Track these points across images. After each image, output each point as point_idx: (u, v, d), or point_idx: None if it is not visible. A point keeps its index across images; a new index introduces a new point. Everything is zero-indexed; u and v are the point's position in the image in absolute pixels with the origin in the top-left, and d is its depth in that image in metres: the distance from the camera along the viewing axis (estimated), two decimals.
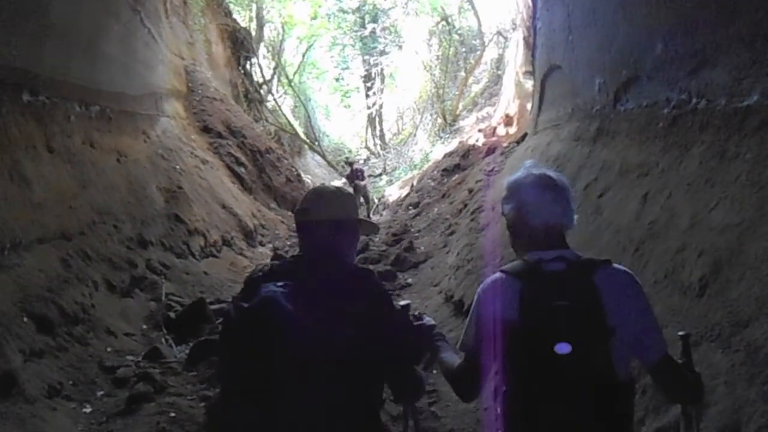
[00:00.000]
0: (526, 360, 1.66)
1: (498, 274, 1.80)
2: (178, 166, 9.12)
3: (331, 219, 1.88)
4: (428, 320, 2.25)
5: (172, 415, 4.24)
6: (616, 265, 1.76)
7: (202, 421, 4.09)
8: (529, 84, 10.83)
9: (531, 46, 9.74)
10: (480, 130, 15.43)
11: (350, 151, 29.29)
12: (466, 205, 10.41)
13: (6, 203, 4.34)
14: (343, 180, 20.52)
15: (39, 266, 4.58)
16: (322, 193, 2.00)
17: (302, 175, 17.57)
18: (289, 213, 13.96)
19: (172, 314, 6.13)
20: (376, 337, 1.69)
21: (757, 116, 3.12)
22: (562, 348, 1.59)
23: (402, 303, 2.24)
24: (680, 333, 1.90)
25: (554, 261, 1.74)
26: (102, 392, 4.52)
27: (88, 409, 4.23)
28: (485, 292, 1.80)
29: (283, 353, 1.58)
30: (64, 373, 4.31)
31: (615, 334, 1.62)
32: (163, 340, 5.66)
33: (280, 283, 1.69)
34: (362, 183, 15.95)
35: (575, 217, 1.88)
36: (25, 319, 4.02)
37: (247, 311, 1.63)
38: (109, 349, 5.06)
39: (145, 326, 5.82)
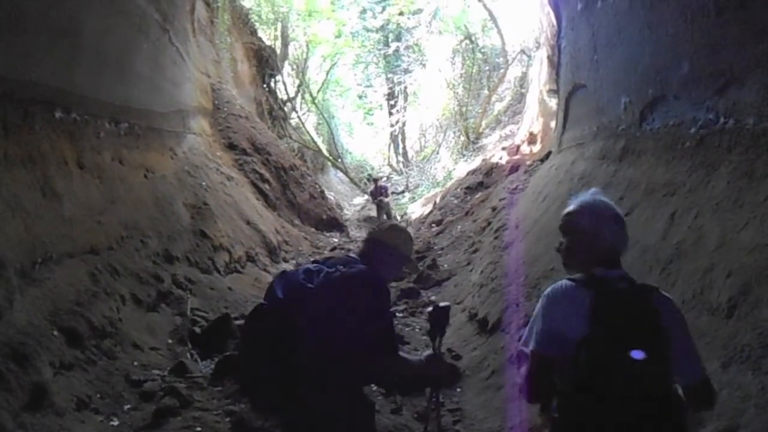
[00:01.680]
0: (597, 364, 1.79)
1: (567, 282, 1.96)
2: (203, 183, 9.25)
3: (388, 245, 2.70)
4: (444, 303, 2.83)
5: (198, 429, 4.27)
6: (663, 292, 1.97)
7: None
8: (553, 102, 10.81)
9: (555, 65, 9.74)
10: (503, 148, 15.41)
11: (373, 168, 29.42)
12: (489, 223, 10.38)
13: (37, 218, 4.44)
14: (366, 196, 20.63)
15: (69, 280, 4.66)
16: (396, 227, 2.93)
17: (325, 191, 17.68)
18: (313, 229, 14.05)
19: (197, 329, 6.18)
20: (350, 310, 2.37)
21: None
22: (638, 354, 1.74)
23: (442, 304, 2.79)
24: None
25: (619, 280, 1.95)
26: (129, 406, 4.56)
27: (115, 422, 4.27)
28: (555, 296, 1.94)
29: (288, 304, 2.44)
30: (92, 386, 4.36)
31: (672, 352, 1.81)
32: (188, 354, 5.71)
33: (318, 264, 2.59)
34: (386, 200, 16.01)
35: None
36: (55, 333, 4.09)
37: (283, 275, 2.63)
38: (135, 363, 5.11)
39: (170, 341, 5.87)
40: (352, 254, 2.92)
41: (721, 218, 3.43)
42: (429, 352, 2.78)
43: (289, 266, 10.39)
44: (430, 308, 2.81)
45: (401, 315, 7.88)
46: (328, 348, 2.36)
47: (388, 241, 2.71)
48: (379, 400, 5.08)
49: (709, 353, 2.94)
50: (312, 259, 2.83)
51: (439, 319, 2.74)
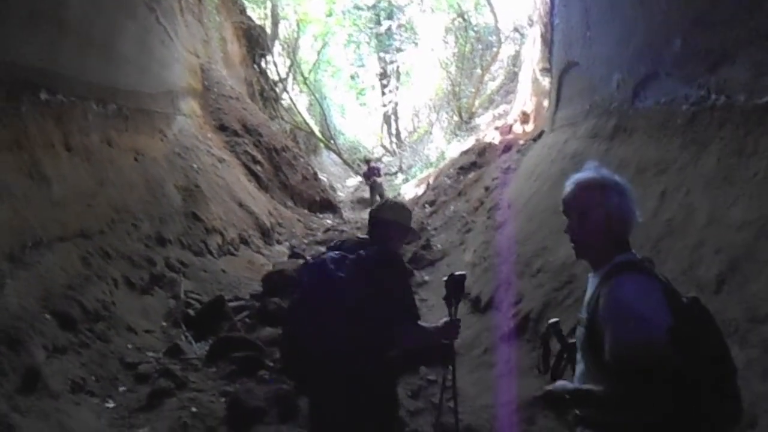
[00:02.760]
0: (707, 356, 1.67)
1: (636, 275, 1.74)
2: (195, 165, 9.20)
3: (383, 220, 2.83)
4: (460, 272, 2.96)
5: (194, 410, 4.31)
6: None
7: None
8: (546, 81, 10.76)
9: (548, 43, 9.69)
10: (496, 128, 15.36)
11: (366, 149, 29.34)
12: (482, 203, 10.39)
13: (26, 201, 4.41)
14: (359, 178, 20.59)
15: (60, 264, 4.66)
16: (391, 205, 3.11)
17: (318, 173, 17.63)
18: (306, 211, 14.03)
19: (191, 311, 6.21)
20: (382, 293, 2.52)
21: None
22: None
23: (458, 273, 2.95)
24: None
25: (649, 263, 1.83)
26: (124, 388, 4.59)
27: (111, 404, 4.30)
28: (647, 292, 1.71)
29: (322, 299, 2.52)
30: (86, 369, 4.38)
31: None
32: (182, 337, 5.73)
33: (338, 252, 2.69)
34: (379, 180, 16.00)
35: None
36: (48, 316, 4.10)
37: (309, 267, 2.74)
38: (130, 346, 5.13)
39: (164, 323, 5.89)
40: (360, 235, 3.15)
41: (710, 195, 3.44)
42: (446, 318, 2.89)
43: (282, 248, 10.39)
44: (445, 278, 2.93)
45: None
46: (364, 326, 2.52)
47: (392, 218, 2.86)
48: None
49: None
50: (329, 245, 2.93)
51: (455, 288, 2.89)
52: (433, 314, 7.15)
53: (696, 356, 1.65)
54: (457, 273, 2.95)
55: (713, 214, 3.33)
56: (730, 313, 2.80)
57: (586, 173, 1.91)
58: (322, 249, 9.97)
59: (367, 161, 16.92)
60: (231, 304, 6.57)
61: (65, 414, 3.70)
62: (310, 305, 2.59)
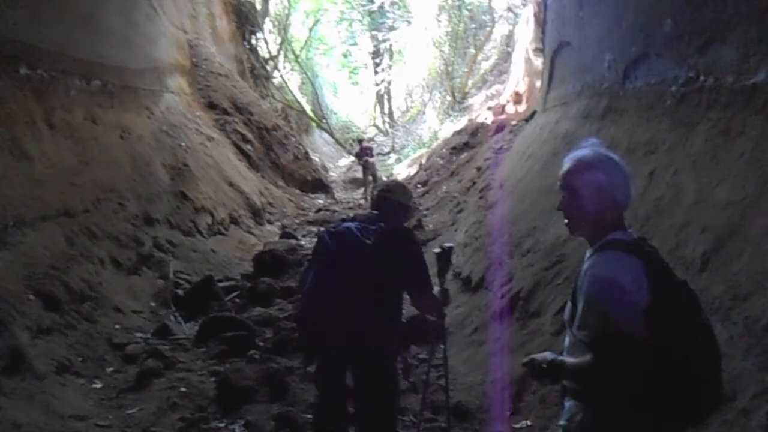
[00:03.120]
0: (681, 330, 1.67)
1: (615, 253, 1.76)
2: (183, 143, 9.11)
3: (393, 200, 3.13)
4: (448, 244, 3.29)
5: (183, 389, 4.30)
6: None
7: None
8: (538, 61, 10.69)
9: (541, 23, 9.61)
10: (489, 108, 15.31)
11: (358, 129, 29.20)
12: (474, 183, 10.38)
13: (7, 180, 4.34)
14: (352, 158, 20.50)
15: (43, 244, 4.61)
16: (396, 185, 3.56)
17: (310, 153, 17.53)
18: (297, 191, 13.97)
19: (180, 292, 6.19)
20: (405, 258, 2.89)
21: (763, 94, 3.11)
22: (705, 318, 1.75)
23: (447, 245, 3.27)
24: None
25: (642, 241, 1.84)
26: (112, 368, 4.58)
27: (98, 385, 4.30)
28: (620, 272, 1.72)
29: (336, 257, 2.86)
30: (72, 350, 4.36)
31: None
32: (171, 317, 5.72)
33: (355, 222, 3.01)
34: (371, 160, 15.94)
35: None
36: (31, 297, 4.06)
37: (335, 233, 2.96)
38: (117, 327, 5.11)
39: (153, 304, 5.87)
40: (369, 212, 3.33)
41: (698, 175, 3.45)
42: (438, 289, 3.18)
43: (273, 228, 10.37)
44: (437, 249, 3.22)
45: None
46: (389, 288, 2.94)
47: (398, 198, 3.16)
48: None
49: None
50: (340, 218, 3.45)
51: (446, 258, 3.23)
52: None
53: (670, 335, 1.66)
54: (446, 244, 3.28)
55: (700, 194, 3.34)
56: (714, 291, 2.83)
57: (582, 151, 1.90)
58: (314, 229, 9.99)
59: (360, 141, 16.82)
60: (221, 284, 6.56)
61: (51, 395, 3.69)
62: (339, 267, 2.87)
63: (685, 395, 1.68)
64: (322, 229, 3.20)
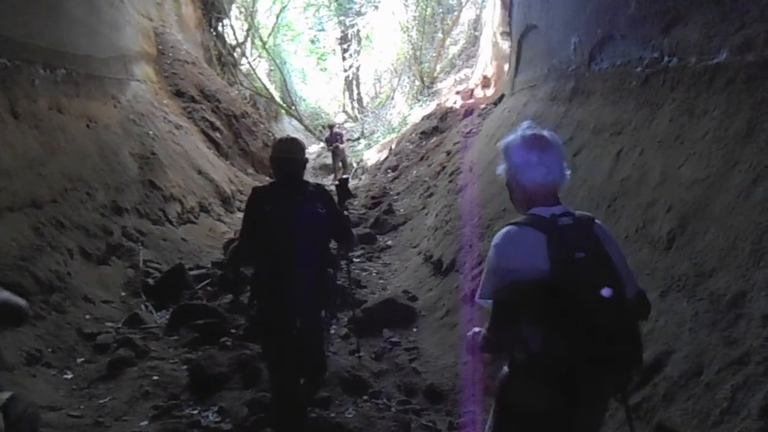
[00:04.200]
0: (571, 305, 1.79)
1: (515, 227, 1.91)
2: (151, 132, 8.96)
3: (302, 159, 3.38)
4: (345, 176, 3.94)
5: (155, 378, 4.28)
6: (596, 220, 2.01)
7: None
8: (506, 45, 10.76)
9: (508, 6, 9.66)
10: (458, 92, 15.36)
11: (328, 115, 28.99)
12: (444, 167, 10.44)
13: None
14: (322, 144, 20.38)
15: (10, 234, 4.51)
16: (295, 140, 3.52)
17: None
18: (267, 178, 13.85)
19: (150, 281, 6.12)
20: (328, 212, 3.22)
21: (725, 74, 3.17)
22: (607, 291, 1.80)
23: (344, 176, 3.80)
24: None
25: (563, 216, 1.92)
26: (82, 359, 4.53)
27: (69, 375, 4.25)
28: (507, 242, 1.89)
29: (291, 228, 3.09)
30: (42, 341, 4.30)
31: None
32: (142, 306, 5.66)
33: (281, 194, 3.18)
34: (341, 146, 15.90)
35: (567, 173, 2.02)
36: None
37: (280, 206, 3.13)
38: (87, 317, 5.04)
39: (123, 293, 5.80)
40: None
41: (663, 155, 3.52)
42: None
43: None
44: (336, 182, 3.83)
45: (358, 260, 7.94)
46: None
47: (297, 157, 3.38)
48: (338, 342, 5.17)
49: (649, 284, 3.06)
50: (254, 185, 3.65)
51: (344, 188, 3.95)
52: (396, 278, 7.23)
53: (567, 301, 1.79)
54: (343, 176, 4.19)
55: (665, 173, 3.41)
56: (680, 269, 2.90)
57: (503, 140, 2.10)
58: None
59: (330, 127, 16.74)
60: (192, 272, 6.50)
61: (21, 386, 3.64)
62: (300, 236, 3.13)
63: (580, 370, 1.82)
64: (268, 207, 3.19)
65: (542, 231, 1.86)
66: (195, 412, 3.93)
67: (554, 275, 1.79)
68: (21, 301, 1.85)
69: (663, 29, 3.85)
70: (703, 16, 3.41)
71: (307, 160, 3.47)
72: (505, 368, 2.05)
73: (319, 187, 3.39)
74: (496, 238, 1.92)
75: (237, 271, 3.70)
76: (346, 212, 3.73)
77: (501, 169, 2.08)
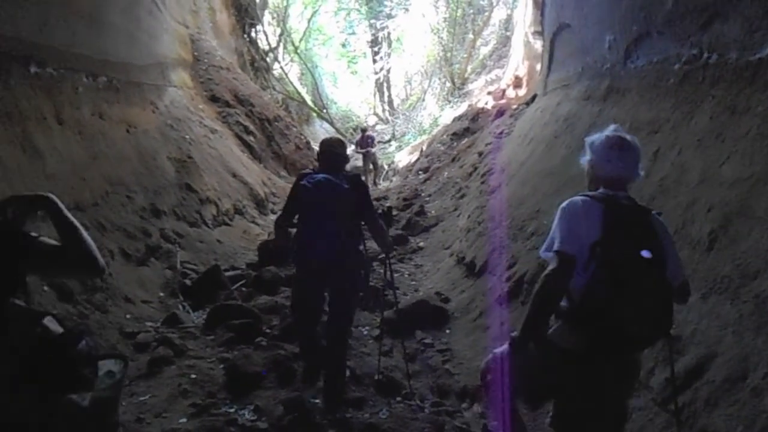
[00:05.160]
0: (615, 259, 2.12)
1: (580, 197, 2.32)
2: (187, 136, 9.13)
3: (343, 154, 4.00)
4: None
5: (193, 376, 4.36)
6: (655, 213, 2.33)
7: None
8: (538, 44, 10.67)
9: (540, 5, 9.58)
10: (489, 93, 15.28)
11: (358, 118, 29.11)
12: (476, 168, 10.40)
13: (20, 175, 4.39)
14: (352, 146, 20.51)
15: (55, 237, 4.64)
16: (337, 140, 4.13)
17: (311, 142, 17.53)
18: None
19: (187, 281, 6.23)
20: (358, 194, 3.77)
21: None
22: (646, 253, 2.12)
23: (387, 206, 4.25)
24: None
25: (625, 199, 2.31)
26: None
27: None
28: (573, 208, 2.29)
29: (317, 197, 3.68)
30: None
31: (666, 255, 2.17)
32: (180, 306, 5.77)
33: (321, 175, 3.77)
34: (372, 150, 15.97)
35: (641, 173, 2.40)
36: (46, 288, 4.11)
37: (315, 182, 3.72)
38: (128, 316, 5.17)
39: (162, 293, 5.92)
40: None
41: (703, 153, 3.46)
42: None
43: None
44: (379, 212, 4.13)
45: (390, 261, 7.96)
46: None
47: (339, 151, 4.00)
48: (370, 343, 5.20)
49: (690, 285, 3.01)
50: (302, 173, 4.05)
51: (388, 216, 4.29)
52: (428, 279, 7.22)
53: (610, 255, 2.13)
54: (385, 206, 4.21)
55: (706, 172, 3.35)
56: (722, 270, 2.84)
57: (591, 136, 2.49)
58: None
59: (363, 130, 16.81)
60: (227, 273, 6.60)
61: None
62: (321, 206, 3.70)
63: (609, 318, 2.11)
64: (303, 182, 3.77)
65: (601, 202, 2.25)
66: (231, 410, 3.98)
67: (604, 234, 2.15)
68: (100, 261, 1.95)
69: (702, 25, 3.78)
70: (744, 11, 3.33)
71: (347, 155, 4.03)
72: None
73: (356, 176, 3.94)
74: (564, 203, 2.31)
75: (284, 233, 4.06)
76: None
77: (584, 160, 2.47)
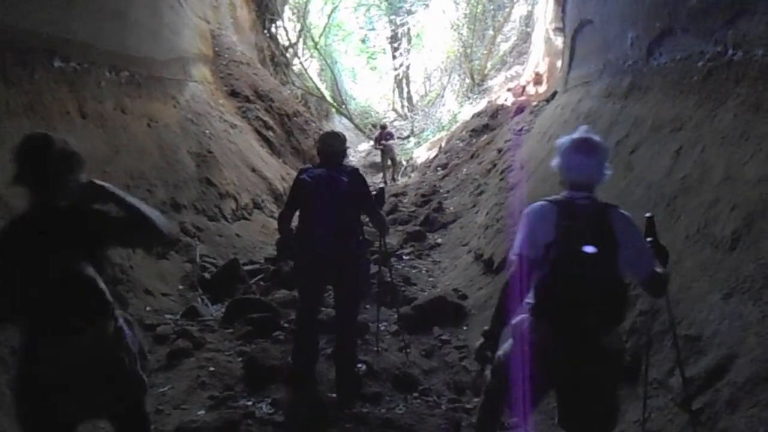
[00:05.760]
0: (561, 256, 2.36)
1: (539, 202, 2.55)
2: (207, 131, 9.21)
3: (341, 149, 4.06)
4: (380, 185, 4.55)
5: (211, 369, 4.41)
6: (621, 210, 2.47)
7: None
8: (559, 41, 10.58)
9: (561, 1, 9.49)
10: (509, 90, 15.19)
11: (377, 114, 29.09)
12: (495, 165, 10.35)
13: None
14: (371, 143, 20.50)
15: None
16: (335, 134, 4.21)
17: None
18: None
19: (206, 275, 6.30)
20: (356, 187, 3.90)
21: None
22: (589, 248, 2.32)
23: (379, 186, 4.42)
24: (646, 215, 2.68)
25: (583, 199, 2.48)
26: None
27: None
28: (532, 213, 2.53)
29: (317, 190, 3.82)
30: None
31: (619, 250, 2.34)
32: (199, 299, 5.83)
33: (320, 169, 3.93)
34: (390, 143, 15.97)
35: (607, 173, 2.52)
36: None
37: (315, 176, 3.88)
38: (148, 309, 5.23)
39: (181, 287, 5.99)
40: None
41: (726, 152, 3.41)
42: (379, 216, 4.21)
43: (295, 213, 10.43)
44: (374, 192, 4.28)
45: (407, 257, 7.96)
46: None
47: (338, 147, 4.07)
48: (387, 339, 5.21)
49: (711, 285, 2.97)
50: (303, 168, 4.16)
51: (380, 196, 4.45)
52: (446, 276, 7.22)
53: (559, 253, 2.37)
54: (380, 185, 4.63)
55: (729, 171, 3.30)
56: (745, 270, 2.80)
57: (562, 138, 2.63)
58: None
59: (382, 127, 16.78)
60: (246, 267, 6.66)
61: None
62: (322, 199, 3.82)
63: (560, 310, 2.38)
64: (303, 176, 3.92)
65: (556, 204, 2.47)
66: (249, 403, 4.02)
67: (556, 235, 2.38)
68: (166, 231, 2.37)
69: (727, 22, 3.72)
70: None
71: (345, 149, 4.12)
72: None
73: (354, 169, 4.03)
74: (526, 209, 2.55)
75: (285, 228, 4.16)
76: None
77: (554, 163, 2.61)
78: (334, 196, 3.84)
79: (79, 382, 2.15)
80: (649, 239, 2.58)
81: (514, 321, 2.61)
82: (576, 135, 2.55)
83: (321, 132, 15.97)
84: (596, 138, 2.53)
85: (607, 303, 2.36)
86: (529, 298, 2.50)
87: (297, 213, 4.08)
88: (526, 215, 2.53)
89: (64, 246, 2.13)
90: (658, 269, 2.46)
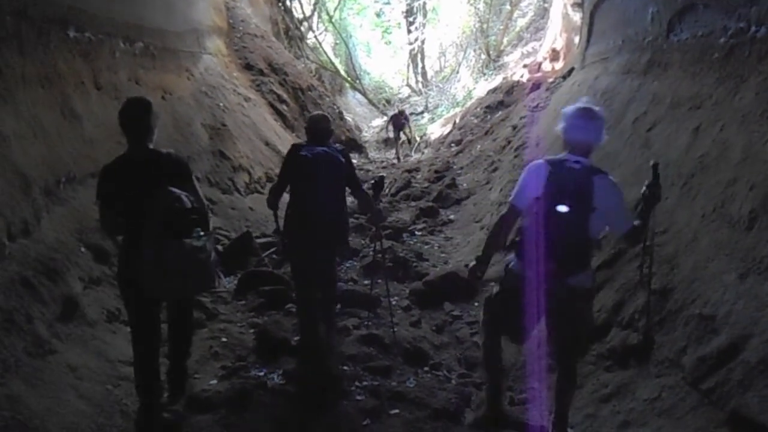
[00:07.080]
0: (541, 210, 2.82)
1: (538, 161, 2.96)
2: (221, 104, 9.19)
3: (330, 129, 4.29)
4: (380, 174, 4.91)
5: (224, 339, 4.47)
6: (610, 176, 2.87)
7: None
8: (577, 16, 10.39)
9: None
10: (525, 66, 15.01)
11: (391, 89, 28.84)
12: (509, 142, 10.27)
13: (59, 138, 4.47)
14: (385, 118, 20.39)
15: (93, 199, 4.73)
16: (324, 116, 4.45)
17: (344, 113, 17.48)
18: None
19: (219, 247, 6.33)
20: (349, 167, 4.12)
21: None
22: (563, 207, 2.78)
23: (379, 175, 4.77)
24: (651, 162, 3.00)
25: (575, 162, 2.87)
26: None
27: None
28: (530, 169, 2.96)
29: (318, 168, 3.95)
30: (120, 300, 4.52)
31: (594, 212, 2.76)
32: None
33: (320, 147, 4.03)
34: (404, 121, 15.88)
35: (603, 138, 2.92)
36: (83, 249, 4.21)
37: (315, 153, 3.97)
38: None
39: None
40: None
41: (746, 131, 3.35)
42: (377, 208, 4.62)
43: None
44: (372, 180, 4.65)
45: (420, 233, 7.96)
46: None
47: (326, 126, 4.27)
48: (399, 314, 5.23)
49: (727, 265, 2.95)
50: (296, 144, 4.29)
51: (378, 185, 4.71)
52: (458, 252, 7.21)
53: (536, 216, 2.87)
54: (378, 175, 4.65)
55: (749, 150, 3.24)
56: (762, 250, 2.78)
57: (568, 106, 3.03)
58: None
59: (400, 113, 16.54)
60: (258, 240, 6.68)
61: (102, 341, 3.86)
62: (320, 175, 3.96)
63: (536, 251, 2.85)
64: (303, 152, 4.01)
65: (550, 165, 2.87)
66: (261, 373, 4.08)
67: (542, 191, 2.81)
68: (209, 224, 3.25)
69: None
70: None
71: (331, 129, 4.36)
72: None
73: (344, 149, 4.27)
74: (529, 164, 2.97)
75: (275, 203, 4.29)
76: (380, 204, 4.61)
77: (559, 127, 2.96)
78: (333, 174, 4.03)
79: (170, 272, 2.91)
80: (647, 183, 2.93)
81: (505, 259, 3.19)
82: (580, 104, 2.94)
83: (336, 108, 16.02)
84: (596, 108, 2.94)
85: (572, 253, 2.82)
86: (517, 238, 3.05)
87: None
88: (526, 170, 2.97)
89: (163, 177, 3.00)
90: (636, 222, 2.90)
